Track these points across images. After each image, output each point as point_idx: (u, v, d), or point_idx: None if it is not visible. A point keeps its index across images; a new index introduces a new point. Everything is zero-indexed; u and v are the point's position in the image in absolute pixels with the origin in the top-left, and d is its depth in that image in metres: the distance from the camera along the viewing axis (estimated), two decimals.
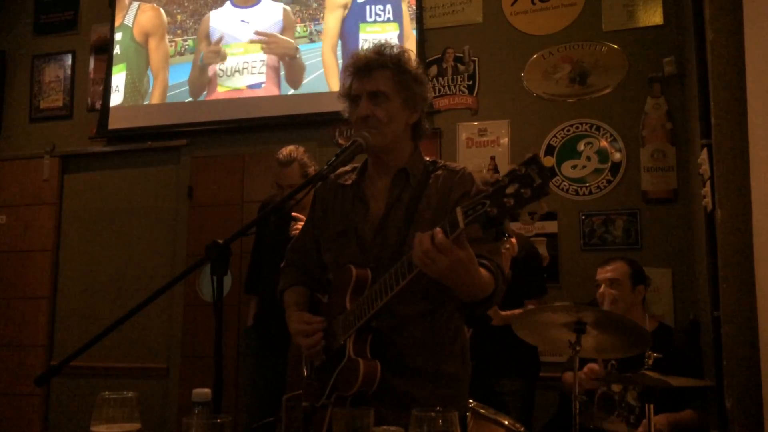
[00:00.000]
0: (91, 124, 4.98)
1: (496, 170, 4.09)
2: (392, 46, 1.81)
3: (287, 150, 3.26)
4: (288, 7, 4.77)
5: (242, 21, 4.85)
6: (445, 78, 4.32)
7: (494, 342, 3.11)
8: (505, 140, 4.14)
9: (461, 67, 4.31)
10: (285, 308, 1.95)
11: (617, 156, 3.93)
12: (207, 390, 1.38)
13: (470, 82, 4.28)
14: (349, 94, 1.84)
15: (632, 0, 4.01)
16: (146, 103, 4.89)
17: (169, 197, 4.79)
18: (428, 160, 1.87)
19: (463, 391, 1.82)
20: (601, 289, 3.03)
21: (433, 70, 4.35)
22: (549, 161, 4.03)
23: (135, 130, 4.86)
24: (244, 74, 4.75)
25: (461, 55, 4.33)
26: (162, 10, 4.96)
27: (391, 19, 4.53)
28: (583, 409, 2.68)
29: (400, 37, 4.45)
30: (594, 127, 3.99)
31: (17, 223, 5.03)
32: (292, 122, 4.48)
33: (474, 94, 4.26)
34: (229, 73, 4.78)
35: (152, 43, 4.95)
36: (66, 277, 4.92)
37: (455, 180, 1.78)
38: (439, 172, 1.82)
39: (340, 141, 4.37)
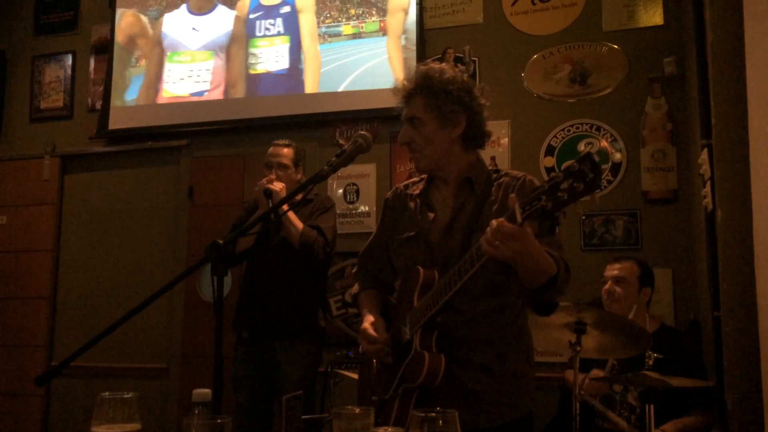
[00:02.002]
0: (92, 124, 4.98)
1: (496, 170, 4.09)
2: (421, 71, 1.90)
3: (284, 140, 3.46)
4: (242, 15, 4.84)
5: (193, 29, 4.94)
6: None
7: None
8: (505, 140, 4.14)
9: (461, 68, 4.31)
10: (359, 309, 2.10)
11: (617, 156, 3.93)
12: (207, 390, 1.38)
13: None
14: None
15: (632, 0, 4.02)
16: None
17: (170, 197, 4.79)
18: (491, 169, 1.97)
19: (529, 389, 1.88)
20: (607, 286, 3.02)
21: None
22: (549, 161, 4.03)
23: (135, 131, 4.86)
24: (188, 81, 4.85)
25: (461, 55, 4.33)
26: (142, 16, 4.98)
27: (282, 32, 4.65)
28: (583, 409, 2.68)
29: (293, 48, 4.59)
30: (594, 127, 3.99)
31: (18, 224, 5.03)
32: (293, 122, 4.48)
33: None
34: (174, 80, 4.87)
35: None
36: (66, 278, 4.92)
37: (517, 186, 1.87)
38: (502, 179, 1.91)
39: (341, 141, 4.37)
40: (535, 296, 1.72)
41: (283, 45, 4.65)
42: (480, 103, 1.92)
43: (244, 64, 4.76)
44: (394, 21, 4.49)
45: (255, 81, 4.70)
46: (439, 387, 1.75)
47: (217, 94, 4.79)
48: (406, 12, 4.46)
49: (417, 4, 4.40)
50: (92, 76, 5.08)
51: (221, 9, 4.90)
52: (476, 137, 1.93)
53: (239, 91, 4.76)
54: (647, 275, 3.04)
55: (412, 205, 2.00)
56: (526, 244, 1.52)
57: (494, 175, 1.93)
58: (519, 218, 1.47)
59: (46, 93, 5.16)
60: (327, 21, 4.62)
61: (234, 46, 4.83)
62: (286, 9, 4.69)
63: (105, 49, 5.03)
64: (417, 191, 2.02)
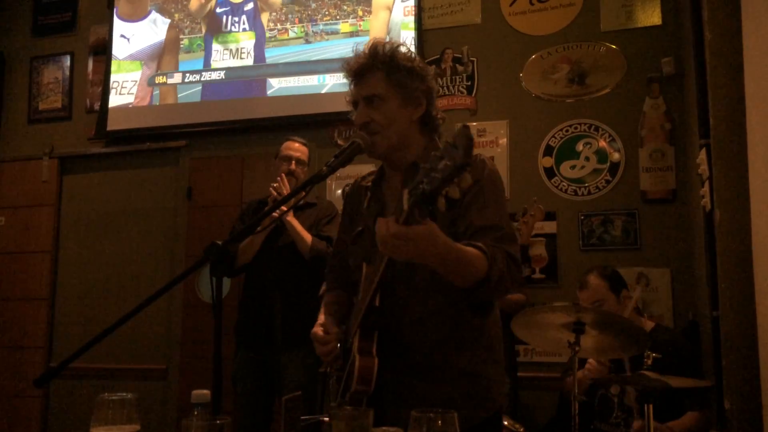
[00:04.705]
0: (90, 125, 4.98)
1: None
2: (384, 44, 1.78)
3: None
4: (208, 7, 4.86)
5: (122, 36, 4.96)
6: (444, 78, 4.32)
7: None
8: (503, 141, 4.14)
9: (460, 68, 4.32)
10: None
11: (616, 156, 3.93)
12: (206, 391, 1.38)
13: (469, 83, 4.28)
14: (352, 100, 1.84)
15: (630, 0, 4.02)
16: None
17: (168, 198, 4.79)
18: None
19: (490, 389, 1.75)
20: None
21: (432, 70, 4.33)
22: (548, 162, 4.03)
23: (134, 131, 4.86)
24: (111, 93, 4.90)
25: (460, 55, 4.33)
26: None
27: (247, 29, 4.71)
28: (582, 410, 2.68)
29: (257, 46, 4.65)
30: (593, 127, 4.00)
31: (16, 225, 5.02)
32: (291, 123, 4.48)
33: (473, 95, 4.26)
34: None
35: None
36: (65, 279, 4.92)
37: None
38: None
39: (339, 142, 4.37)
40: (465, 297, 1.61)
41: (248, 41, 4.71)
42: (434, 86, 1.82)
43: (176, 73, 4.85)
44: (376, 21, 4.51)
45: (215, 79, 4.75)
46: (390, 392, 1.65)
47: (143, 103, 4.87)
48: (390, 10, 4.48)
49: (416, 4, 4.41)
50: (90, 77, 5.07)
51: (155, 15, 4.94)
52: (433, 120, 1.83)
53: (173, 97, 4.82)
54: (615, 281, 2.97)
55: (364, 198, 1.90)
56: (421, 243, 1.39)
57: None
58: (405, 205, 1.32)
59: (45, 94, 5.16)
60: (325, 18, 4.62)
61: (167, 57, 4.86)
62: (249, 6, 4.77)
63: (103, 50, 5.02)
64: (369, 183, 1.90)
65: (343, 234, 2.00)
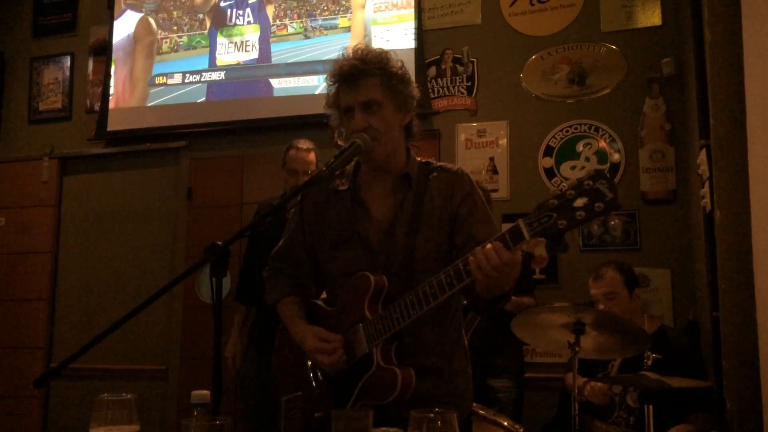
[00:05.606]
0: (90, 125, 4.98)
1: (495, 171, 4.10)
2: (372, 51, 1.77)
3: (304, 140, 3.36)
4: (151, 18, 4.93)
5: None
6: (444, 79, 4.32)
7: (484, 343, 3.10)
8: (504, 141, 4.14)
9: (460, 68, 4.32)
10: (285, 321, 1.89)
11: (616, 157, 3.93)
12: (206, 392, 1.38)
13: (469, 83, 4.28)
14: (337, 105, 1.81)
15: (631, 1, 4.02)
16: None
17: (169, 199, 4.79)
18: (421, 161, 1.85)
19: (470, 384, 1.86)
20: (601, 307, 2.93)
21: (432, 71, 4.35)
22: (548, 162, 4.03)
23: (134, 132, 4.86)
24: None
25: (460, 56, 4.33)
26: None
27: (252, 21, 4.74)
28: (582, 411, 2.68)
29: (262, 38, 4.68)
30: (593, 127, 4.00)
31: (16, 225, 5.02)
32: (291, 123, 4.47)
33: (473, 95, 4.26)
34: None
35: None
36: (65, 279, 4.92)
37: (455, 182, 1.79)
38: (436, 174, 1.81)
39: (339, 142, 4.36)
40: (489, 306, 1.66)
41: (253, 33, 4.73)
42: (417, 95, 1.83)
43: (149, 68, 4.88)
44: (355, 20, 4.56)
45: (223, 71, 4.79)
46: None
47: (125, 101, 4.88)
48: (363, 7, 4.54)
49: (416, 4, 4.41)
50: (91, 77, 5.07)
51: (129, 14, 5.00)
52: (413, 128, 1.83)
53: (142, 95, 4.85)
54: (631, 277, 2.98)
55: (339, 202, 1.84)
56: (518, 268, 1.50)
57: (426, 169, 1.82)
58: (527, 236, 1.41)
59: (45, 95, 5.16)
60: (324, 14, 4.63)
61: (138, 46, 4.90)
62: None
63: (103, 50, 5.02)
64: (343, 187, 1.85)
65: (303, 235, 1.90)
